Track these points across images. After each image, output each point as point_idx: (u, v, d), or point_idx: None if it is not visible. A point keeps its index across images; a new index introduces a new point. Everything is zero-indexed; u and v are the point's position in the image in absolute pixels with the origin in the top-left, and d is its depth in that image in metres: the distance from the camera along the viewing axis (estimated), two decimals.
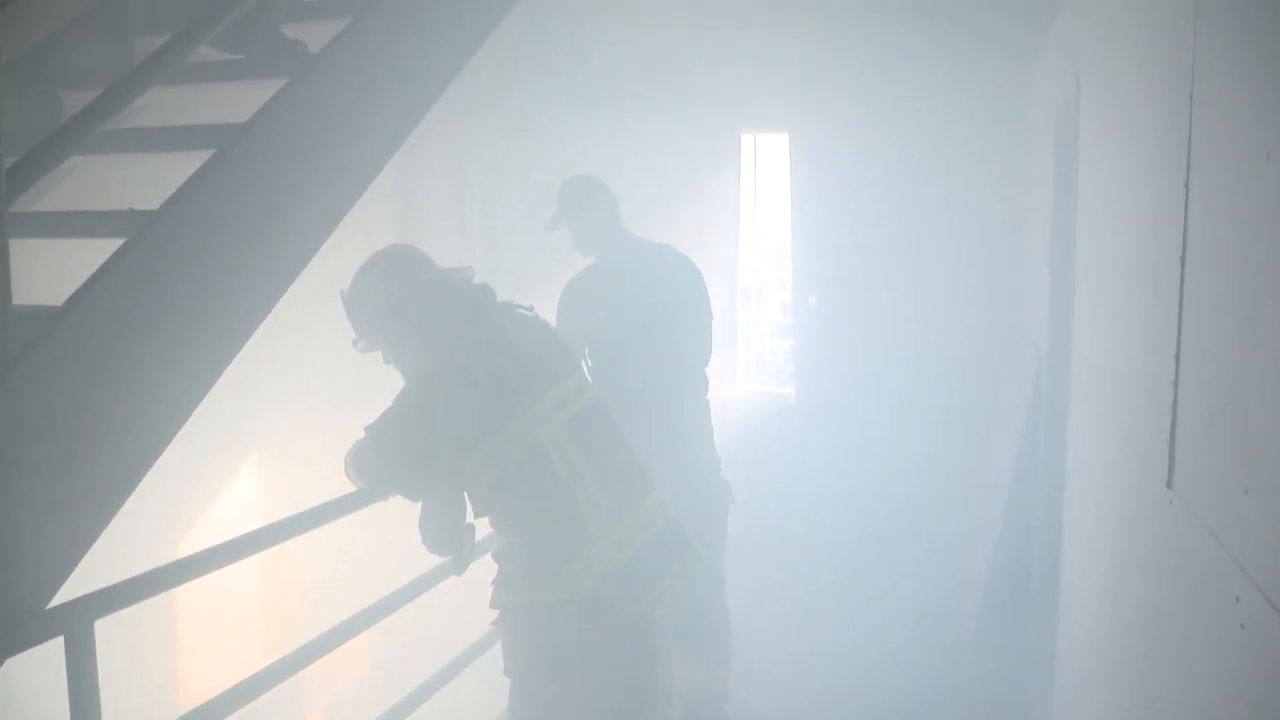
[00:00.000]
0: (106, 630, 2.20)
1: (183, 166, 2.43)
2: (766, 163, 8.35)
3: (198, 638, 4.94)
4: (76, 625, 2.09)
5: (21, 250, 2.10)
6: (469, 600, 4.10)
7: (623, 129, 6.72)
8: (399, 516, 3.25)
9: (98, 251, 2.22)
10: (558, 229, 4.16)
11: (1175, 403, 2.08)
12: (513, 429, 2.81)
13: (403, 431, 2.85)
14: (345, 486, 3.02)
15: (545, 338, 3.11)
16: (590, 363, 4.04)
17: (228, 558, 2.51)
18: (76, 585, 2.17)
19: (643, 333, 4.01)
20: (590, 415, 3.00)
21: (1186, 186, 2.02)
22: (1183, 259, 2.03)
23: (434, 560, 3.27)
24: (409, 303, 2.93)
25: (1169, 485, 2.10)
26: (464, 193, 6.94)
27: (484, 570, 3.15)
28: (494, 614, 3.09)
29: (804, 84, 6.69)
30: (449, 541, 2.93)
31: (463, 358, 2.89)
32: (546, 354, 3.03)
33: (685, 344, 4.13)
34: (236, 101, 2.72)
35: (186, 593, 2.83)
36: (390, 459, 2.87)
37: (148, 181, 2.50)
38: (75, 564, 2.13)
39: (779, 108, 7.06)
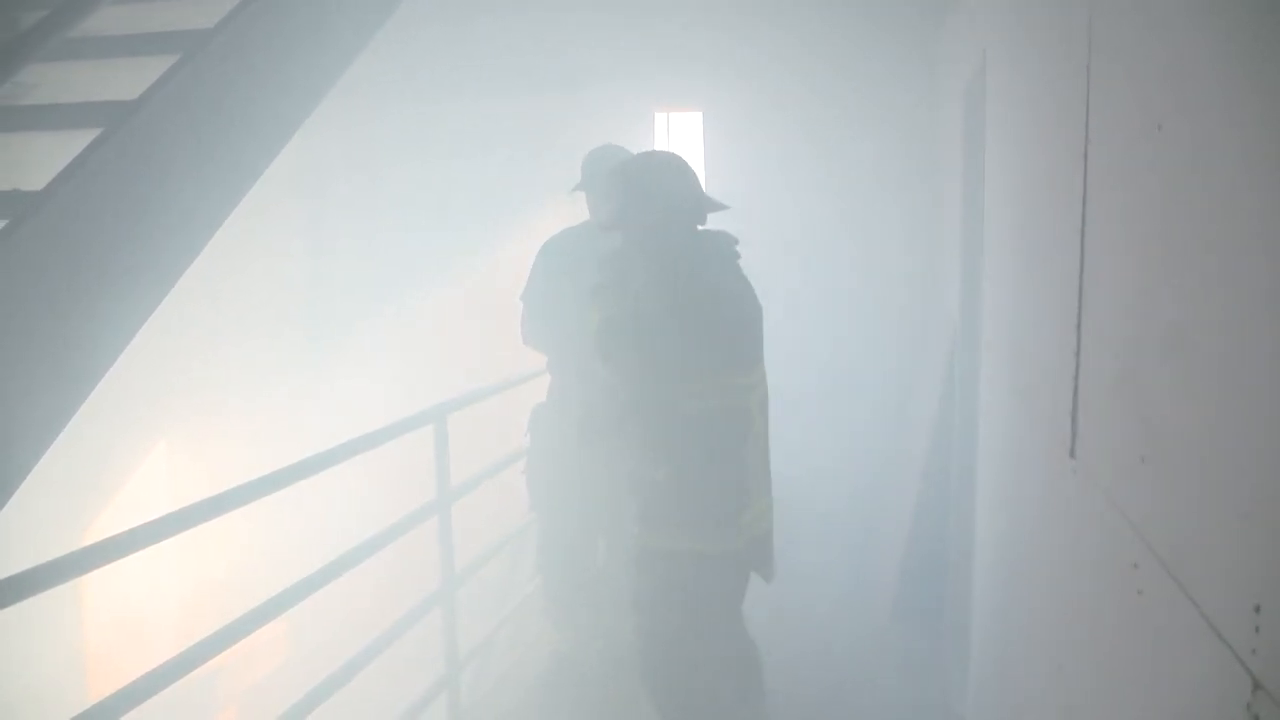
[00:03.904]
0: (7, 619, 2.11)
1: (70, 146, 2.34)
2: (681, 141, 8.33)
3: (107, 628, 4.84)
4: None
5: None
6: (383, 589, 4.07)
7: (535, 109, 6.67)
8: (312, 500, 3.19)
9: None
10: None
11: (1077, 373, 2.10)
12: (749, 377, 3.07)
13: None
14: (257, 472, 2.92)
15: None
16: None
17: (125, 548, 2.41)
18: None
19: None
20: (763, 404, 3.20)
21: (1085, 158, 2.04)
22: (1082, 230, 2.05)
23: (346, 546, 3.23)
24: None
25: (1072, 454, 2.13)
26: (374, 176, 6.85)
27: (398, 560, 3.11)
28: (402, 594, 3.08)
29: (716, 63, 6.70)
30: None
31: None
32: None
33: None
34: (128, 79, 2.63)
35: (95, 585, 2.74)
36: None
37: (33, 161, 2.41)
38: None
39: (692, 87, 7.06)
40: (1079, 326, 2.08)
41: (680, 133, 7.62)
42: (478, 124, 6.84)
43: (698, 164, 7.20)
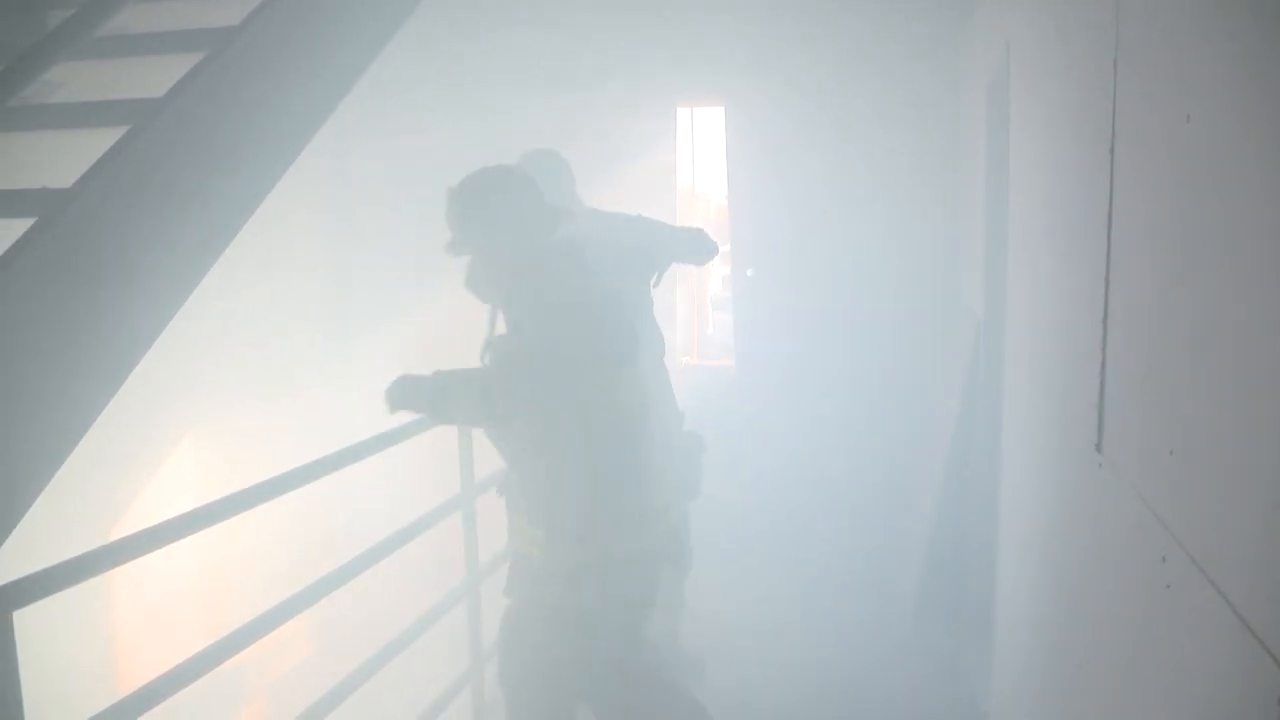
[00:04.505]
0: (36, 615, 2.12)
1: (97, 144, 2.36)
2: (705, 135, 8.32)
3: (134, 623, 4.88)
4: None
5: None
6: (407, 583, 4.08)
7: (559, 103, 6.67)
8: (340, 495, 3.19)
9: (8, 232, 2.16)
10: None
11: (1103, 367, 2.09)
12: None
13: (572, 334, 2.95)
14: (282, 467, 2.94)
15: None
16: None
17: (151, 543, 2.42)
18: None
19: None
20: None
21: (1112, 152, 2.03)
22: (1109, 223, 2.04)
23: (371, 541, 3.24)
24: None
25: (1098, 448, 2.12)
26: (397, 171, 6.86)
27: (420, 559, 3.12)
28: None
29: (738, 56, 6.67)
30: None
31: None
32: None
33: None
34: (154, 77, 2.65)
35: (124, 578, 2.75)
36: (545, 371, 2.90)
37: (60, 159, 2.43)
38: None
39: (714, 80, 7.04)
40: (1105, 320, 2.07)
41: (703, 126, 7.62)
42: (494, 125, 6.84)
43: (720, 158, 7.20)
